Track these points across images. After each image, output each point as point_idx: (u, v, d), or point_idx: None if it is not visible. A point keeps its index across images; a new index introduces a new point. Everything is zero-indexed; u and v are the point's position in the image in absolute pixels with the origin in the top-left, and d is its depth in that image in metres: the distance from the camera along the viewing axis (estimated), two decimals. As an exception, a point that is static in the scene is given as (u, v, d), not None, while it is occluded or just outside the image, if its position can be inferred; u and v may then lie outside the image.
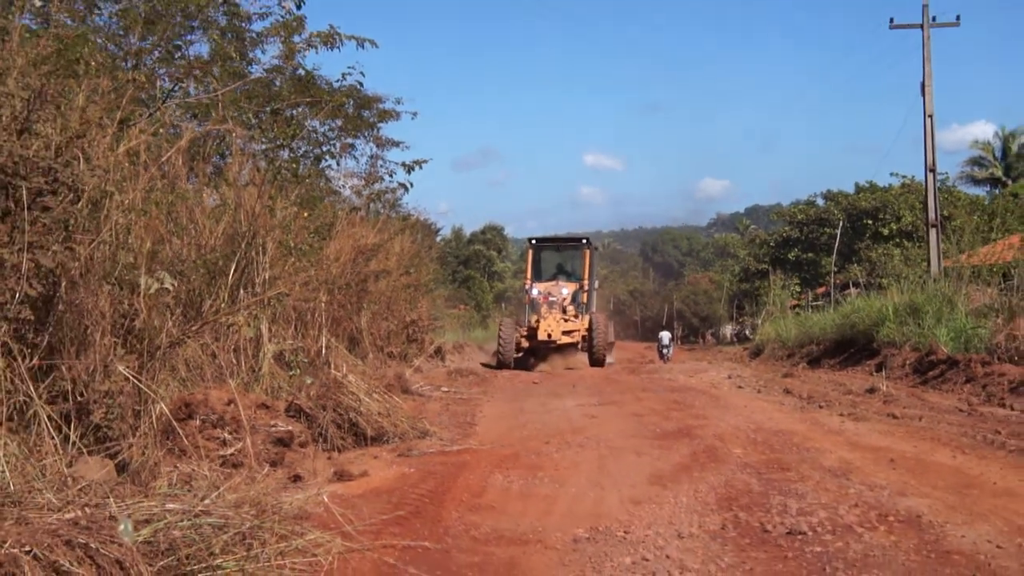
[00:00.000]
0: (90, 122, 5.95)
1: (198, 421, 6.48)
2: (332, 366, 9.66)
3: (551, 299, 23.69)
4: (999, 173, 53.55)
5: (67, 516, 3.72)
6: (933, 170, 25.05)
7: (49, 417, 5.03)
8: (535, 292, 24.31)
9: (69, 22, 9.81)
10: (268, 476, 6.22)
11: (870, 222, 44.39)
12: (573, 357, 22.94)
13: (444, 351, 23.15)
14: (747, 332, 45.00)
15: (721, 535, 5.01)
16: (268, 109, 14.60)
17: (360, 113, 19.47)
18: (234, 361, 8.52)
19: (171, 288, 6.49)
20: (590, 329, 22.87)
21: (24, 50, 5.93)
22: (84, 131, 5.79)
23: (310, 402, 8.10)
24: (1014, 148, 54.18)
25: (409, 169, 19.55)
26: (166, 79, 11.91)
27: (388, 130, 20.58)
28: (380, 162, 20.38)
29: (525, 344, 22.98)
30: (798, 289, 44.08)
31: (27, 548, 3.29)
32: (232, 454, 6.37)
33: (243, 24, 14.95)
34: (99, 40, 10.74)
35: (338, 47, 14.79)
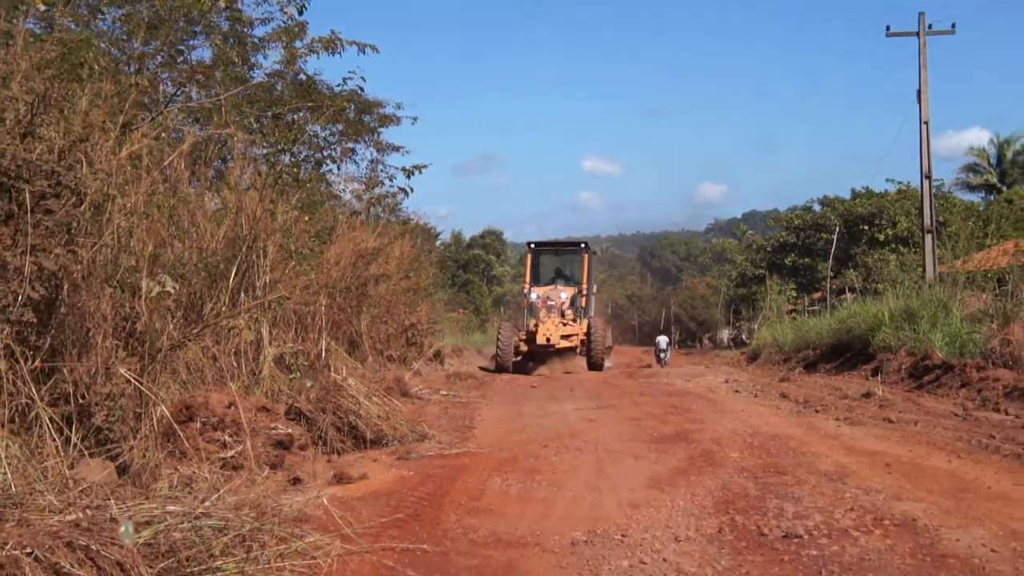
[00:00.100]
0: (93, 126, 5.96)
1: (199, 424, 6.47)
2: (332, 369, 9.65)
3: (550, 303, 23.66)
4: (994, 179, 53.60)
5: (68, 518, 3.71)
6: (929, 176, 25.07)
7: (51, 419, 5.02)
8: (534, 296, 24.27)
9: (73, 27, 9.80)
10: (268, 479, 6.22)
11: (866, 228, 44.41)
12: (571, 361, 22.91)
13: (443, 355, 23.14)
14: (744, 337, 45.09)
15: (718, 538, 5.00)
16: (270, 114, 14.61)
17: (361, 118, 19.50)
18: (235, 364, 8.51)
19: (172, 291, 6.49)
20: (589, 333, 22.86)
21: (28, 54, 5.93)
22: (87, 135, 5.80)
23: (310, 405, 8.09)
24: (1009, 155, 54.24)
25: (409, 174, 19.58)
26: (169, 83, 11.91)
27: (389, 135, 20.68)
28: (380, 167, 20.43)
29: (524, 348, 22.96)
30: (795, 294, 44.13)
31: (28, 550, 3.28)
32: (232, 456, 6.36)
33: (245, 29, 14.97)
34: (102, 45, 10.74)
35: (339, 52, 14.82)
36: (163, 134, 8.65)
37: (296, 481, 6.41)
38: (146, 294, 6.20)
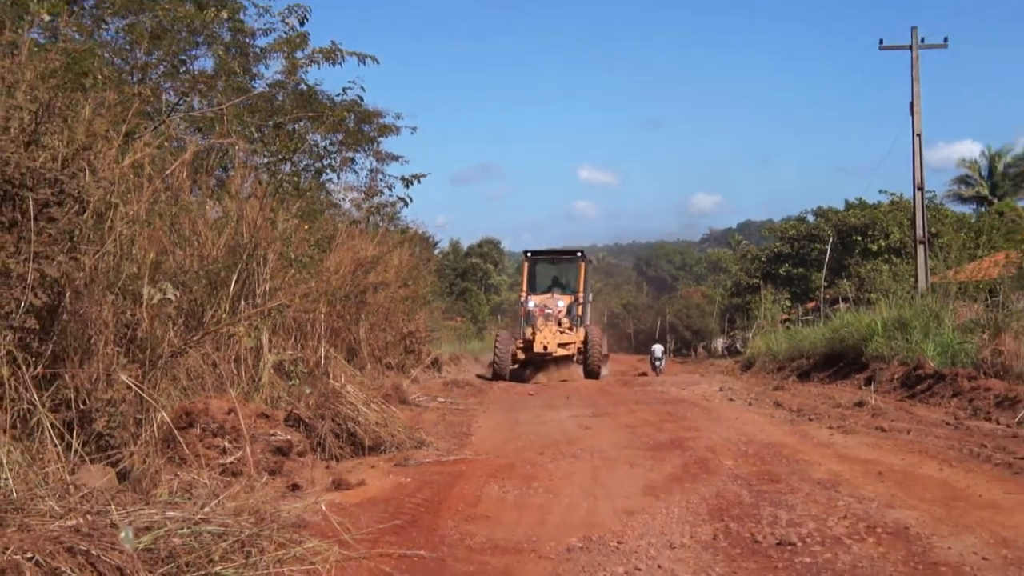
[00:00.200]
0: (96, 135, 5.97)
1: (198, 430, 6.46)
2: (331, 376, 9.65)
3: (547, 311, 23.60)
4: (985, 191, 53.75)
5: (69, 523, 3.70)
6: (921, 188, 25.11)
7: (52, 425, 5.02)
8: (531, 304, 24.21)
9: (77, 37, 9.81)
10: (267, 485, 6.21)
11: (859, 238, 44.47)
12: (568, 369, 22.88)
13: (441, 362, 23.13)
14: (738, 346, 45.02)
15: (712, 545, 5.00)
16: (270, 123, 14.64)
17: (361, 128, 19.53)
18: (234, 371, 8.50)
19: (173, 298, 6.50)
20: (585, 342, 22.83)
21: (33, 64, 5.94)
22: (90, 143, 5.81)
23: (309, 412, 8.08)
24: (1000, 167, 54.40)
25: (408, 183, 19.60)
26: (171, 93, 11.93)
27: (388, 144, 20.63)
28: (380, 176, 20.44)
29: (521, 356, 22.91)
30: (788, 304, 44.10)
31: (29, 554, 3.27)
32: (232, 463, 6.35)
33: (247, 40, 15.02)
34: (106, 54, 10.77)
35: (340, 63, 14.87)
36: (165, 143, 8.66)
37: (295, 487, 6.40)
38: (147, 301, 6.20)
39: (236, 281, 8.77)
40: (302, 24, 14.59)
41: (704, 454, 8.32)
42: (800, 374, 21.15)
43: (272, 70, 15.31)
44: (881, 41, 25.63)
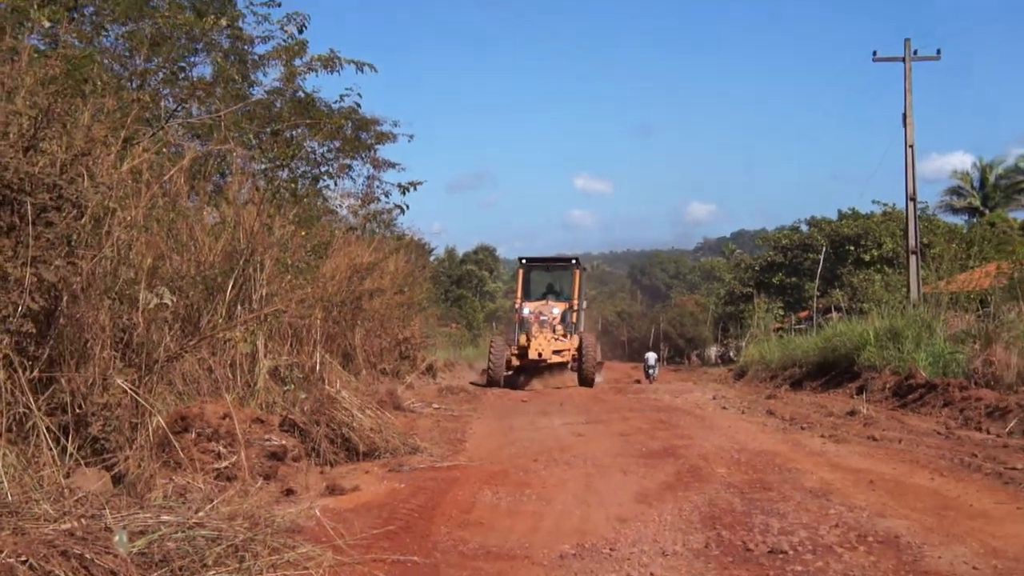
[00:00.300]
0: (95, 140, 5.96)
1: (194, 434, 6.46)
2: (326, 382, 9.64)
3: (542, 318, 23.58)
4: (977, 202, 53.87)
5: (63, 527, 3.69)
6: (913, 199, 25.18)
7: (48, 429, 5.01)
8: (526, 311, 24.19)
9: (77, 43, 9.82)
10: (261, 489, 6.20)
11: (852, 248, 44.53)
12: (562, 376, 22.87)
13: (435, 368, 23.12)
14: (731, 354, 45.04)
15: (704, 553, 4.99)
16: (268, 130, 14.65)
17: (358, 135, 19.55)
18: (230, 376, 8.50)
19: (170, 303, 6.48)
20: (580, 349, 22.81)
21: (32, 70, 5.94)
22: (89, 149, 5.80)
23: (304, 417, 8.07)
24: (991, 178, 54.54)
25: (404, 190, 19.62)
26: (170, 99, 11.94)
27: (385, 152, 20.71)
28: (376, 183, 20.44)
29: (515, 362, 22.87)
30: (782, 312, 44.14)
31: (23, 558, 3.26)
32: (226, 467, 6.35)
33: (246, 47, 15.05)
34: (106, 61, 10.78)
35: (338, 71, 14.88)
36: (163, 149, 8.67)
37: (289, 492, 6.39)
38: (144, 306, 6.19)
39: (233, 286, 8.77)
40: (300, 32, 14.62)
41: (697, 462, 8.32)
42: (793, 383, 21.15)
43: (270, 77, 15.30)
44: (875, 53, 25.73)
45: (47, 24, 8.40)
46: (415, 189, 19.66)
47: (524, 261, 26.12)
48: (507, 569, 4.74)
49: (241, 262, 8.97)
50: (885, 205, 47.20)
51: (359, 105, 17.20)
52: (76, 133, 5.87)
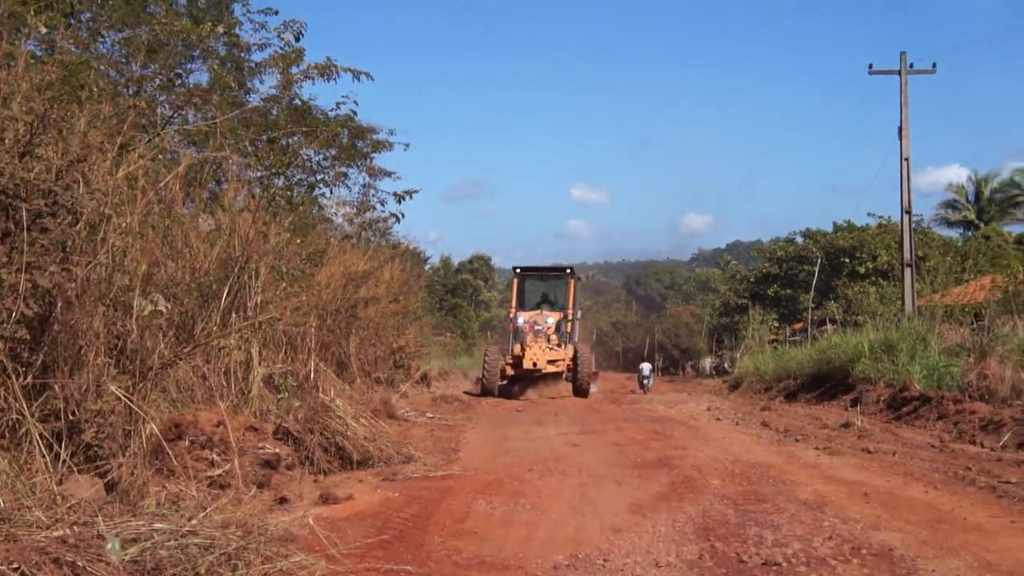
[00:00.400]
0: (91, 146, 5.96)
1: (187, 442, 6.44)
2: (320, 390, 9.62)
3: (537, 328, 23.56)
4: (972, 216, 54.02)
5: (55, 534, 3.68)
6: (909, 212, 25.20)
7: (41, 435, 5.00)
8: (521, 321, 24.15)
9: (73, 49, 9.82)
10: (255, 498, 6.19)
11: (847, 260, 44.56)
12: (556, 386, 22.84)
13: (430, 378, 23.09)
14: (726, 365, 45.03)
15: (698, 564, 4.99)
16: (264, 137, 14.64)
17: (354, 143, 19.55)
18: (224, 383, 8.48)
19: (165, 310, 6.48)
20: (575, 359, 22.77)
21: (29, 75, 5.94)
22: (85, 155, 5.80)
23: (298, 425, 8.06)
24: (986, 192, 54.71)
25: (400, 199, 19.63)
26: (166, 106, 11.94)
27: (381, 160, 20.63)
28: (372, 191, 20.45)
29: (510, 372, 22.83)
30: (776, 324, 44.14)
31: (15, 565, 3.26)
32: (220, 475, 6.33)
33: (243, 55, 15.04)
34: (102, 67, 10.77)
35: (335, 79, 14.88)
36: (159, 156, 8.65)
37: (283, 501, 6.38)
38: (138, 313, 6.19)
39: (227, 294, 8.76)
40: (297, 40, 14.64)
41: (691, 473, 8.32)
42: (787, 395, 21.17)
43: (267, 85, 15.30)
44: (871, 66, 25.75)
45: (44, 30, 8.38)
46: (411, 198, 19.69)
47: (519, 270, 26.10)
48: (501, 579, 4.73)
49: (236, 269, 8.97)
50: (880, 218, 47.26)
51: (355, 113, 17.21)
52: (72, 139, 5.86)
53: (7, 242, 5.13)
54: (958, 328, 16.90)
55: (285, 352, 10.75)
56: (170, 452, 6.03)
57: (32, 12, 8.39)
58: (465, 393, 22.42)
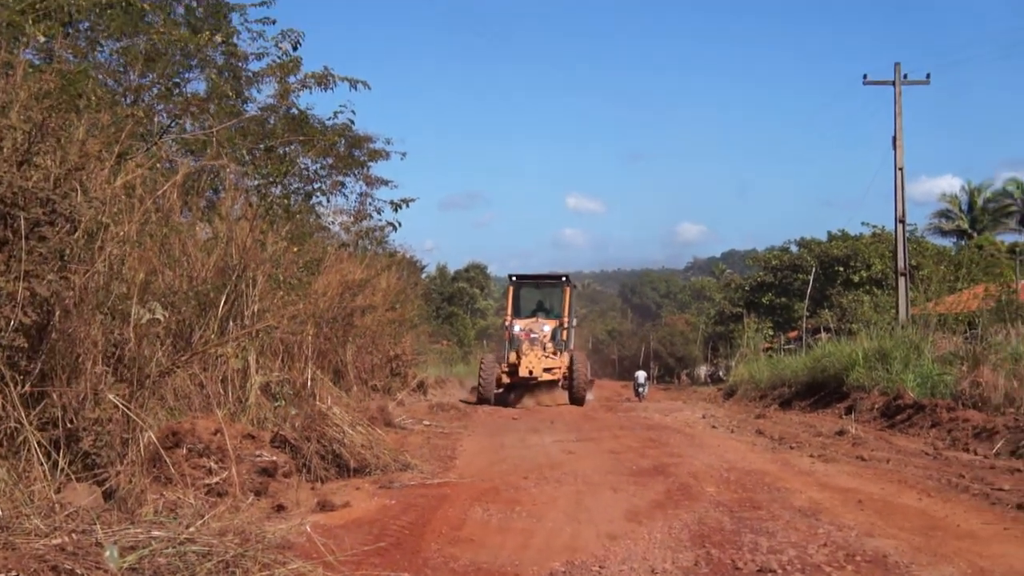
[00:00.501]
0: (89, 155, 5.96)
1: (185, 450, 6.43)
2: (317, 398, 9.61)
3: (533, 336, 23.54)
4: (965, 225, 54.22)
5: (54, 542, 3.68)
6: (902, 221, 25.29)
7: (39, 443, 4.99)
8: (517, 329, 24.12)
9: (71, 58, 9.83)
10: (252, 505, 6.18)
11: (841, 269, 44.60)
12: (552, 394, 22.83)
13: (426, 385, 23.05)
14: (721, 373, 45.03)
15: (694, 571, 4.99)
16: (262, 146, 14.64)
17: (351, 152, 19.55)
18: (221, 391, 8.47)
19: (162, 319, 6.48)
20: (571, 367, 22.76)
21: (27, 84, 5.94)
22: (83, 164, 5.80)
23: (295, 433, 8.05)
24: (979, 202, 54.94)
25: (397, 207, 19.63)
26: (164, 115, 11.93)
27: (378, 169, 20.63)
28: (369, 200, 20.44)
29: (506, 380, 22.81)
30: (771, 332, 44.13)
31: (14, 572, 3.26)
32: (217, 483, 6.32)
33: (240, 64, 15.04)
34: (100, 76, 10.77)
35: (332, 88, 14.90)
36: (157, 164, 8.66)
37: (280, 508, 6.37)
38: (136, 321, 6.19)
39: (225, 302, 8.75)
40: (295, 49, 14.64)
41: (686, 480, 8.33)
42: (782, 402, 21.19)
43: (264, 94, 15.30)
44: (865, 76, 25.86)
45: (42, 39, 8.39)
46: (407, 206, 19.69)
47: (514, 278, 26.07)
48: (497, 586, 4.73)
49: (233, 278, 8.97)
50: (874, 227, 47.33)
51: (353, 122, 17.21)
52: (70, 148, 5.86)
53: (5, 250, 5.13)
54: (951, 337, 16.96)
55: (282, 360, 10.74)
56: (168, 460, 6.02)
57: (30, 21, 8.41)
58: (461, 401, 22.40)
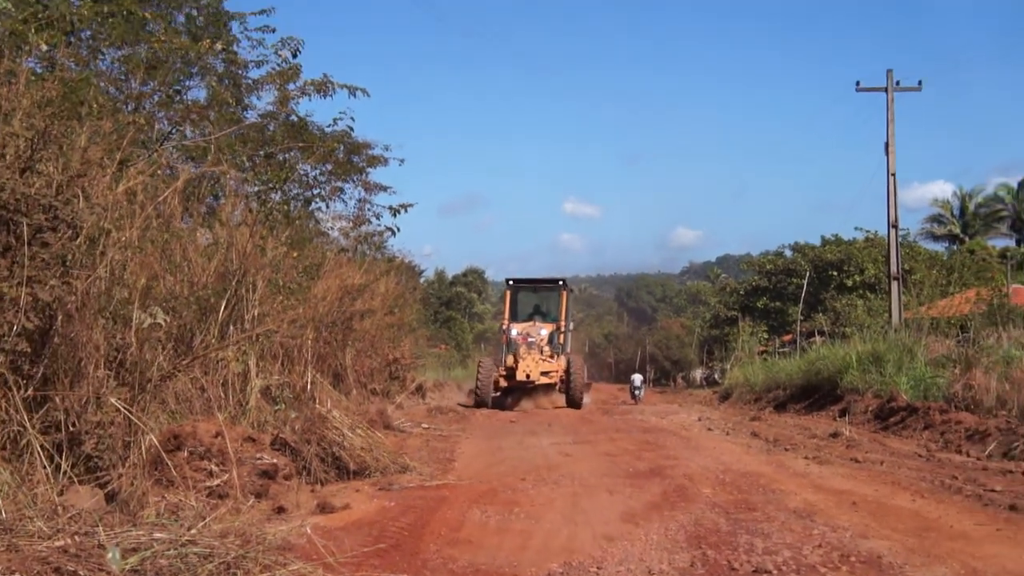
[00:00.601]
0: (91, 162, 5.97)
1: (186, 453, 6.43)
2: (317, 401, 9.62)
3: (530, 339, 23.51)
4: (957, 230, 54.39)
5: (57, 544, 3.68)
6: (895, 226, 25.30)
7: (42, 447, 4.99)
8: (514, 332, 24.09)
9: (73, 67, 9.83)
10: (253, 507, 6.18)
11: (835, 273, 44.64)
12: (549, 397, 22.81)
13: (425, 389, 23.06)
14: (716, 376, 45.07)
15: (690, 572, 5.00)
16: (261, 153, 14.66)
17: (350, 158, 19.54)
18: (222, 395, 8.47)
19: (163, 323, 6.48)
20: (568, 371, 22.73)
21: (30, 92, 5.95)
22: (85, 171, 5.80)
23: (295, 436, 8.05)
24: (971, 207, 55.14)
25: (395, 213, 19.63)
26: (165, 122, 11.96)
27: (376, 175, 20.64)
28: (368, 205, 20.44)
29: (503, 383, 22.77)
30: (766, 336, 44.16)
31: (17, 574, 3.25)
32: (218, 485, 6.32)
33: (240, 71, 15.07)
34: (102, 84, 10.78)
35: (331, 95, 14.92)
36: (158, 171, 8.67)
37: (280, 510, 6.37)
38: (138, 326, 6.19)
39: (225, 307, 8.76)
40: (295, 56, 14.67)
41: (682, 482, 8.33)
42: (777, 405, 21.20)
43: (264, 101, 15.33)
44: (858, 83, 25.88)
45: (45, 47, 8.41)
46: (406, 211, 19.69)
47: (511, 282, 26.05)
48: (495, 587, 4.73)
49: (234, 283, 8.97)
50: (868, 232, 47.40)
51: (352, 129, 17.23)
52: (72, 155, 5.87)
53: (8, 256, 5.13)
54: (944, 340, 16.98)
55: (282, 364, 10.74)
56: (169, 463, 6.03)
57: (33, 30, 8.43)
58: (460, 404, 22.37)
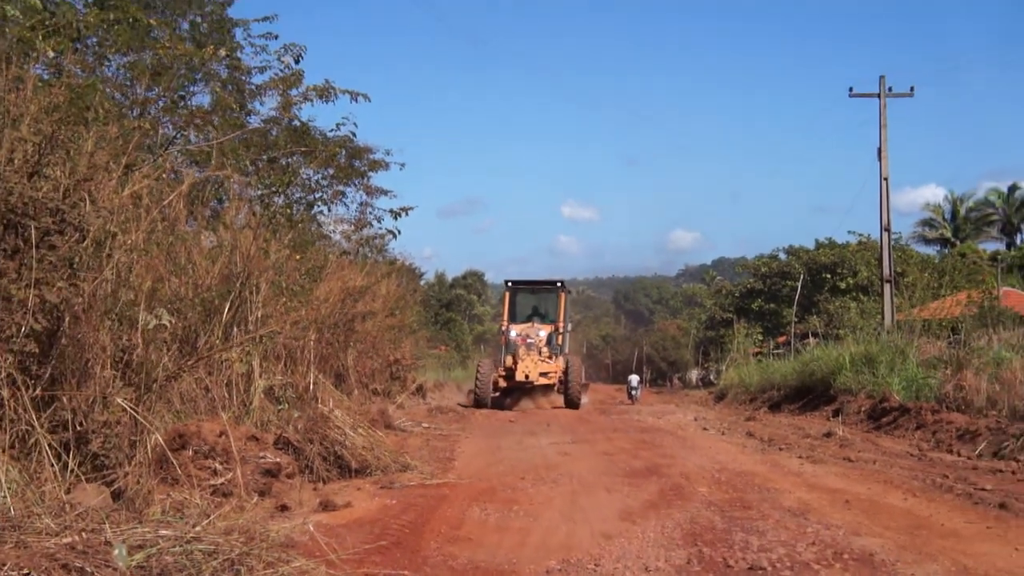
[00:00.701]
0: (97, 166, 5.98)
1: (191, 451, 6.44)
2: (319, 401, 9.61)
3: (529, 341, 23.52)
4: (948, 234, 54.45)
5: (64, 540, 3.69)
6: (888, 229, 25.32)
7: (50, 445, 5.00)
8: (513, 334, 24.09)
9: (80, 73, 9.84)
10: (256, 505, 6.19)
11: (829, 276, 44.69)
12: (548, 397, 22.83)
13: (425, 389, 23.06)
14: (712, 377, 45.13)
15: (686, 569, 5.01)
16: (265, 157, 14.68)
17: (351, 163, 19.55)
18: (226, 395, 8.48)
19: (169, 324, 6.49)
20: (566, 371, 22.74)
21: (37, 98, 5.95)
22: (91, 175, 5.81)
23: (297, 435, 8.05)
24: (962, 211, 55.24)
25: (396, 216, 19.63)
26: (169, 127, 11.95)
27: (378, 179, 20.69)
28: (369, 209, 20.46)
29: (502, 384, 22.79)
30: (760, 338, 44.20)
31: (26, 571, 3.26)
32: (223, 484, 6.33)
33: (244, 77, 15.09)
34: (108, 90, 10.78)
35: (333, 100, 14.92)
36: (163, 175, 8.67)
37: (283, 508, 6.38)
38: (143, 327, 6.19)
39: (229, 308, 8.76)
40: (297, 62, 14.69)
41: (679, 481, 8.34)
42: (771, 405, 21.22)
43: (267, 106, 15.35)
44: (851, 89, 25.92)
45: (52, 54, 8.42)
46: (407, 215, 19.70)
47: (510, 284, 26.04)
48: (495, 584, 4.73)
49: (238, 285, 8.98)
50: (861, 235, 47.46)
51: (354, 134, 17.24)
52: (79, 159, 5.88)
53: (16, 259, 5.14)
54: (935, 342, 17.00)
55: (285, 364, 10.74)
56: (174, 461, 6.03)
57: (40, 37, 8.44)
58: (459, 405, 22.38)
